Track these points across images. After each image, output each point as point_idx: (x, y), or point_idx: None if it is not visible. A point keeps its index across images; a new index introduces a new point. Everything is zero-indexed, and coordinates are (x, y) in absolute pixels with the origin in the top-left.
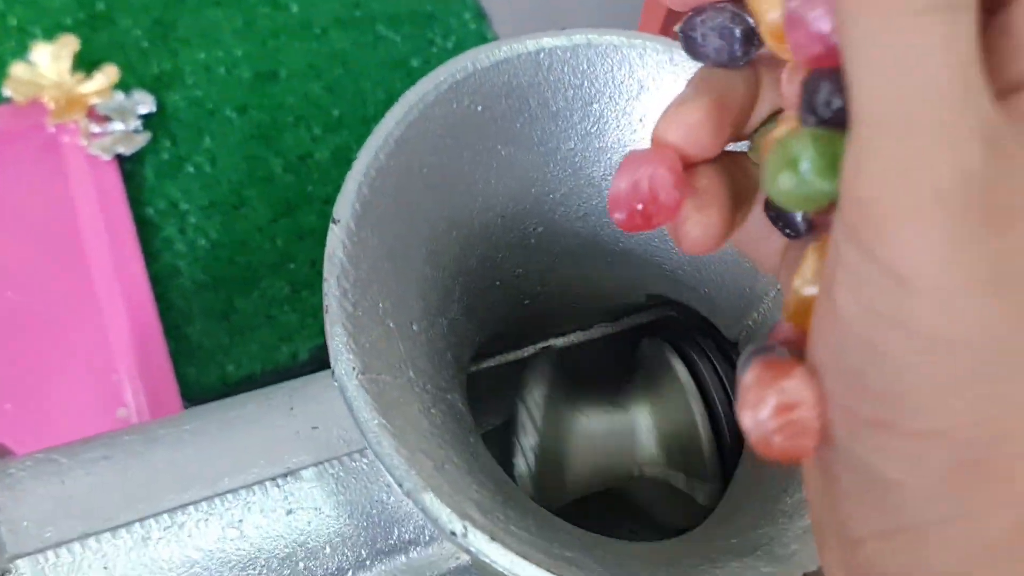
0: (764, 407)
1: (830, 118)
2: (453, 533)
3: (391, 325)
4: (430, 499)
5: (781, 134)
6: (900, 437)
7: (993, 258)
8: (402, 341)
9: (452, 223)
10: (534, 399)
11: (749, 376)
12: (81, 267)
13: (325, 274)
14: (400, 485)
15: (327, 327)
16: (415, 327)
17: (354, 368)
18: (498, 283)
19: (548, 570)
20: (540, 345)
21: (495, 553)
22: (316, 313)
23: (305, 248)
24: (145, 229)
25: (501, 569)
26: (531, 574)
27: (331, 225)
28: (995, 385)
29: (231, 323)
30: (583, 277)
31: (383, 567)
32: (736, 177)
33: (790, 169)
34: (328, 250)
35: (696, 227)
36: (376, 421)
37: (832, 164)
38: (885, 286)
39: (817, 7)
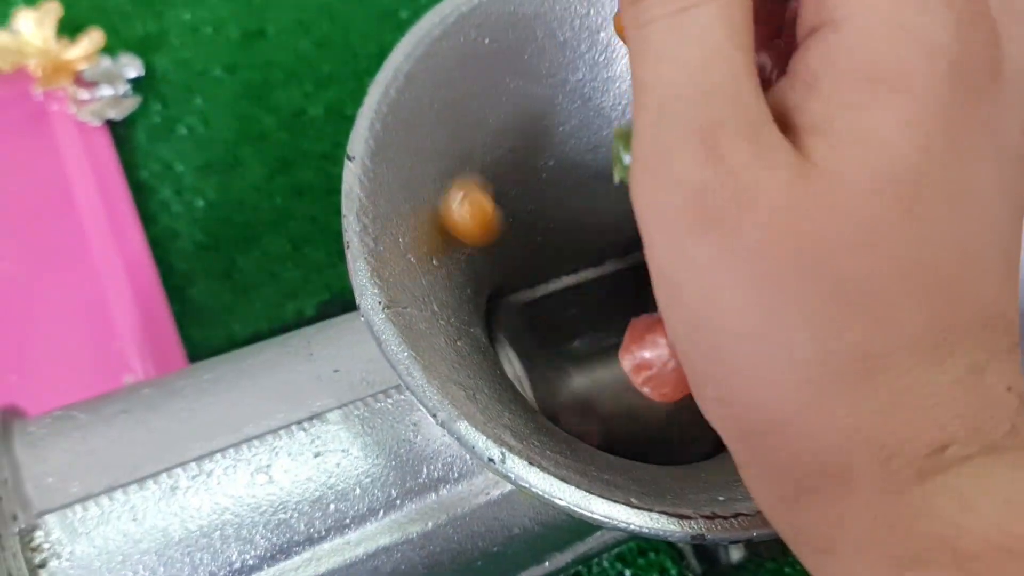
0: (627, 363)
1: None
2: (491, 460)
3: (412, 260)
4: (465, 427)
5: (615, 128)
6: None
7: (716, 254)
8: (424, 275)
9: (464, 158)
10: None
11: (626, 334)
12: (77, 235)
13: (344, 211)
14: (434, 416)
15: (349, 263)
16: (435, 261)
17: (380, 302)
18: (511, 219)
19: (588, 491)
20: (553, 284)
21: (534, 478)
22: (320, 269)
23: (304, 204)
24: (140, 193)
25: (540, 492)
26: (571, 496)
27: (346, 162)
28: (732, 357)
29: (234, 282)
30: (594, 211)
31: (413, 506)
32: None
33: (618, 162)
34: (345, 187)
35: None
36: (406, 353)
37: None
38: (659, 281)
39: None
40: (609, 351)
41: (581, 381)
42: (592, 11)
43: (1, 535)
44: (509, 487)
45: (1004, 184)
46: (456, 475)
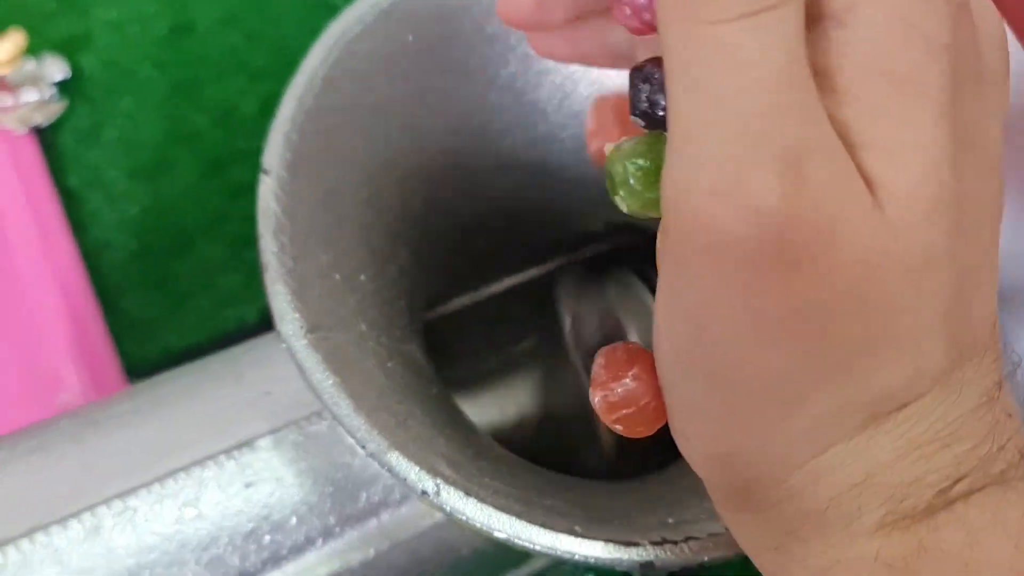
0: (598, 399)
1: (660, 119)
2: (424, 492)
3: (337, 278)
4: (396, 459)
5: (609, 148)
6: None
7: (777, 298)
8: (351, 294)
9: (391, 164)
10: None
11: (596, 364)
12: (4, 248)
13: (260, 229)
14: (363, 447)
15: (267, 286)
16: (363, 277)
17: (302, 327)
18: (447, 222)
19: (529, 521)
20: (496, 285)
21: (471, 510)
22: (259, 272)
23: (240, 206)
24: (70, 201)
25: (479, 525)
26: (511, 528)
27: (262, 176)
28: (750, 411)
29: (169, 292)
30: (536, 209)
31: (354, 533)
32: None
33: (623, 187)
34: (261, 204)
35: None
36: (331, 381)
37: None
38: (681, 320)
39: None
40: (555, 354)
41: (526, 385)
42: None
43: None
44: None
45: (988, 190)
46: (398, 498)
